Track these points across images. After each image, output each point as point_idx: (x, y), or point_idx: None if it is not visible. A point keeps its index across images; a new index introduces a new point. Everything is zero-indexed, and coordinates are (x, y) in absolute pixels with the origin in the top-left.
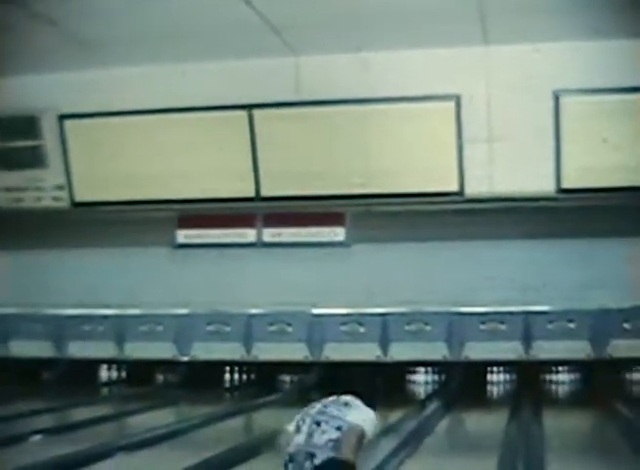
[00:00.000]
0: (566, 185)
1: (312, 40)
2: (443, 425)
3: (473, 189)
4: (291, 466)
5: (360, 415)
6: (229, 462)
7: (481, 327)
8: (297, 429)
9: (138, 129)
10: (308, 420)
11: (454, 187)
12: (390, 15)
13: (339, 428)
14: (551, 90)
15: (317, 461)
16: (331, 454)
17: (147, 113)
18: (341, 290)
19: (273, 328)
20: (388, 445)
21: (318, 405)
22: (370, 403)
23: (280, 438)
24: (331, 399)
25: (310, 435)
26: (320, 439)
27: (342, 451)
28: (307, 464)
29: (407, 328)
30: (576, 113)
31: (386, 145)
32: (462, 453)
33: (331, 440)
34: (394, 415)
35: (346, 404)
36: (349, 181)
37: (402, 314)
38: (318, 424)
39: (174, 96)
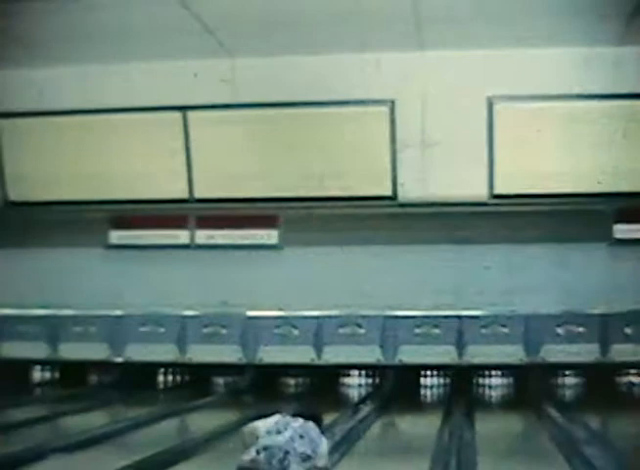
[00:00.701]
0: (498, 191)
1: (248, 42)
2: (376, 428)
3: (406, 193)
4: (263, 453)
5: (324, 448)
6: (162, 465)
7: (416, 331)
8: (278, 432)
9: (72, 129)
10: (291, 429)
11: (387, 191)
12: (326, 18)
13: (314, 451)
14: (485, 96)
15: (292, 458)
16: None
17: (81, 113)
18: (274, 293)
19: (207, 330)
20: None
21: (298, 423)
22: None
23: (246, 431)
24: (302, 419)
25: (292, 439)
26: (300, 447)
27: None
28: (280, 455)
29: (341, 331)
30: (510, 119)
31: (319, 148)
32: (394, 456)
33: (307, 455)
34: (328, 418)
35: (318, 434)
36: (283, 184)
37: (336, 317)
38: (301, 437)
39: (108, 96)
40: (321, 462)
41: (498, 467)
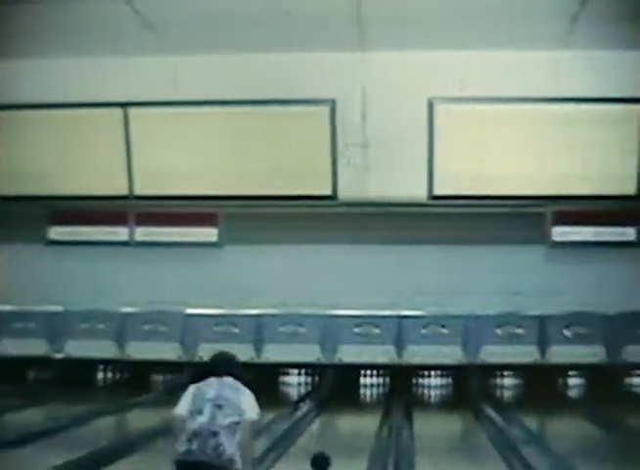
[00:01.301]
0: (438, 192)
1: (191, 40)
2: (315, 427)
3: (346, 193)
4: (195, 442)
5: (248, 401)
6: (99, 462)
7: (355, 330)
8: (199, 412)
9: (11, 125)
10: (209, 404)
11: (327, 191)
12: (269, 17)
13: (239, 414)
14: (426, 98)
15: (222, 439)
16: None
17: (20, 108)
18: (214, 290)
19: (147, 327)
20: (259, 445)
21: (212, 391)
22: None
23: (174, 422)
24: (215, 380)
25: (213, 417)
26: (223, 420)
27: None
28: (212, 440)
29: (281, 330)
30: (450, 121)
31: (260, 147)
32: (333, 455)
33: (233, 422)
34: (267, 416)
35: (236, 389)
36: (223, 182)
37: (276, 316)
38: (219, 407)
39: (49, 91)
40: (251, 415)
41: (436, 467)
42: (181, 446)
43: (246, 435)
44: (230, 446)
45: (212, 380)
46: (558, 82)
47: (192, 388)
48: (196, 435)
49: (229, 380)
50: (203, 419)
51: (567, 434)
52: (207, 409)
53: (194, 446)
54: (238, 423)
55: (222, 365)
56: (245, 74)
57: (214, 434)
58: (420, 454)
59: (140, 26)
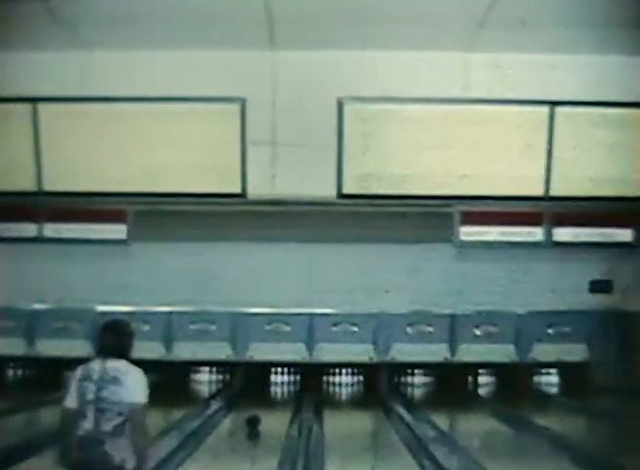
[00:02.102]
0: (347, 191)
1: (101, 35)
2: (226, 425)
3: (255, 191)
4: (82, 453)
5: (134, 384)
6: (9, 460)
7: (266, 328)
8: (84, 415)
9: None
10: (91, 407)
11: (237, 189)
12: (176, 15)
13: (120, 413)
14: (335, 97)
15: (107, 448)
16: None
17: None
18: (124, 288)
19: (58, 324)
20: (169, 443)
21: (92, 387)
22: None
23: (64, 417)
24: (97, 368)
25: (97, 423)
26: (107, 426)
27: (135, 438)
28: (98, 450)
29: (192, 327)
30: (359, 120)
31: (170, 144)
32: (243, 453)
33: (117, 425)
34: (177, 414)
35: (117, 381)
36: (132, 179)
37: (186, 313)
38: (102, 411)
39: None
40: (138, 399)
41: (346, 465)
42: (70, 453)
43: (135, 423)
44: (118, 452)
45: (94, 367)
46: (468, 82)
47: (77, 373)
48: (82, 445)
49: (112, 365)
50: (87, 426)
51: (476, 432)
52: (90, 413)
53: (82, 457)
54: (124, 422)
55: (110, 343)
56: (154, 72)
57: (100, 442)
58: (330, 453)
59: (50, 22)
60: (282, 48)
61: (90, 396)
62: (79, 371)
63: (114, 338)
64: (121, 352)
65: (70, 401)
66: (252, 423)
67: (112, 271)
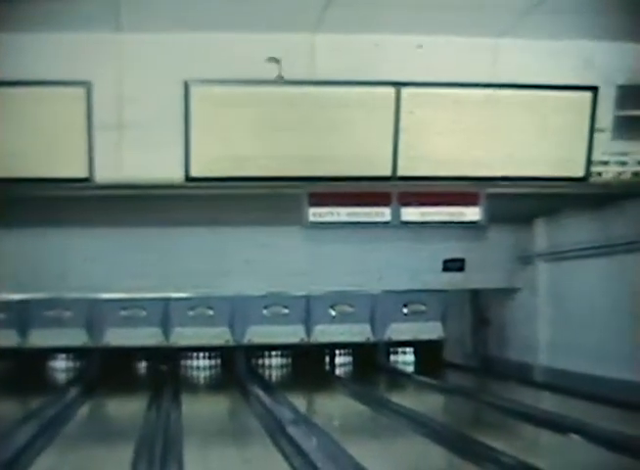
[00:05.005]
0: (194, 174)
1: (14, 17)
2: (84, 412)
3: (102, 175)
4: None
5: None
6: None
7: (122, 313)
8: None
9: None
10: None
11: (84, 173)
12: None
13: None
14: (182, 79)
15: None
16: None
17: None
18: None
19: None
20: (26, 432)
21: None
22: None
23: None
24: None
25: None
26: None
27: None
28: None
29: (47, 314)
30: (207, 102)
31: (14, 129)
32: (101, 440)
33: None
34: (34, 402)
35: None
36: None
37: (42, 301)
38: None
39: None
40: None
41: (205, 448)
42: None
43: None
44: None
45: None
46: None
47: None
48: None
49: None
50: None
51: (334, 412)
52: None
53: None
54: None
55: None
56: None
57: None
58: (188, 437)
59: None
60: (128, 30)
61: None
62: None
63: None
64: None
65: None
66: None
67: None
